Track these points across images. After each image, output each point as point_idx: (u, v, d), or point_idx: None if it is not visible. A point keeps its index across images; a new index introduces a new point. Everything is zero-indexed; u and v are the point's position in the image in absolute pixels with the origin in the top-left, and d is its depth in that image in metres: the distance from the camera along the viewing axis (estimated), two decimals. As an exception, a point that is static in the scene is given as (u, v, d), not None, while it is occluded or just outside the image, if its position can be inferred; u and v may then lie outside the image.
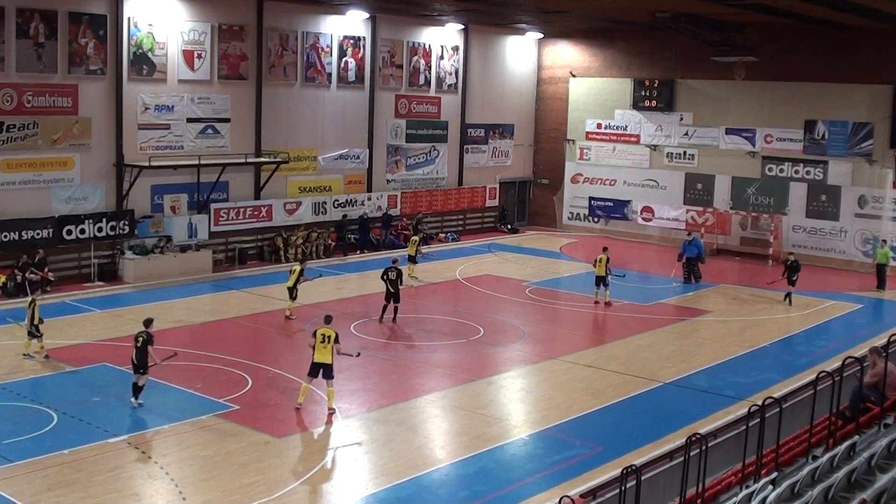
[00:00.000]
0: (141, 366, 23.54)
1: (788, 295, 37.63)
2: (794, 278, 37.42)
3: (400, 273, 33.52)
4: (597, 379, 27.33)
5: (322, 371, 23.59)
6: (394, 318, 33.10)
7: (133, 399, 23.58)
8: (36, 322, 26.99)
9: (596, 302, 36.74)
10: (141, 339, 23.58)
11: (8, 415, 22.72)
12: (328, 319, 24.53)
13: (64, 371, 26.27)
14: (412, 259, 40.57)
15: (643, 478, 15.45)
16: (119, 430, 21.71)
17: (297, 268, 33.54)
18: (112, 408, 23.43)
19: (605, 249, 37.16)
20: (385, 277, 33.19)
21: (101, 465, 19.74)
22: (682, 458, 16.57)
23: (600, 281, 36.60)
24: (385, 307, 33.26)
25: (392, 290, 33.12)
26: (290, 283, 33.17)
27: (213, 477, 19.45)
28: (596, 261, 36.69)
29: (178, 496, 18.46)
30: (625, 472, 15.19)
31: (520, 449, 21.95)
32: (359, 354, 25.59)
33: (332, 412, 23.50)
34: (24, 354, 27.01)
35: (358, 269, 42.40)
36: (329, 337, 23.63)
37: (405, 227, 49.51)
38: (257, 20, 42.78)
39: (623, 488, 15.02)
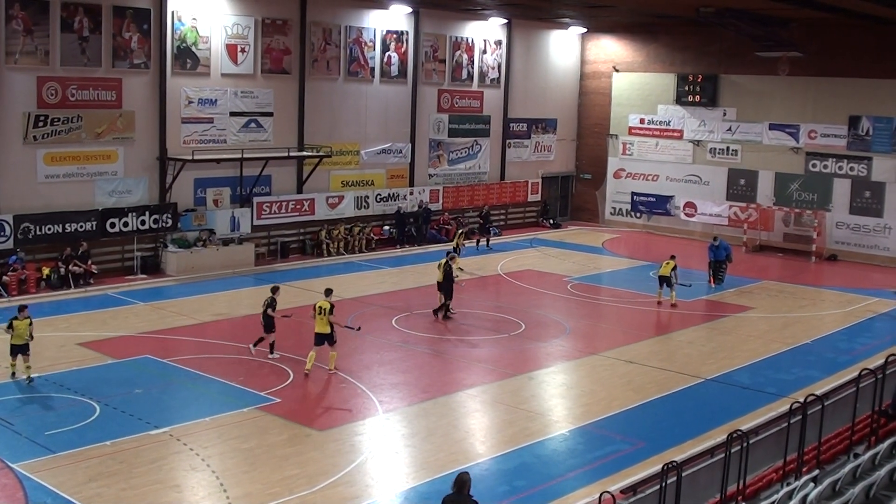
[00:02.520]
0: (268, 326, 26.95)
1: None
2: None
3: (448, 267, 32.88)
4: (638, 375, 27.26)
5: (324, 340, 25.79)
6: (435, 311, 32.80)
7: (269, 354, 27.11)
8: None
9: (659, 302, 36.26)
10: (265, 303, 27.09)
11: (51, 406, 22.95)
12: (328, 292, 26.72)
13: (107, 363, 26.46)
14: (455, 250, 40.66)
15: (684, 474, 15.42)
16: (161, 422, 21.84)
17: (444, 261, 32.98)
18: (154, 400, 23.59)
19: (672, 258, 36.67)
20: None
21: (142, 457, 19.89)
22: (723, 455, 16.54)
23: (664, 281, 36.19)
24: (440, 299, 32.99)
25: (441, 283, 32.80)
26: (440, 278, 32.70)
27: (253, 469, 19.54)
28: (663, 264, 36.47)
29: (219, 488, 18.57)
30: (665, 468, 15.18)
31: (560, 444, 21.92)
32: (359, 329, 28.06)
33: (332, 372, 25.80)
34: (28, 378, 24.59)
35: (398, 263, 42.44)
36: (324, 309, 25.73)
37: (446, 221, 49.53)
38: (301, 14, 42.90)
39: (664, 484, 15.00)
